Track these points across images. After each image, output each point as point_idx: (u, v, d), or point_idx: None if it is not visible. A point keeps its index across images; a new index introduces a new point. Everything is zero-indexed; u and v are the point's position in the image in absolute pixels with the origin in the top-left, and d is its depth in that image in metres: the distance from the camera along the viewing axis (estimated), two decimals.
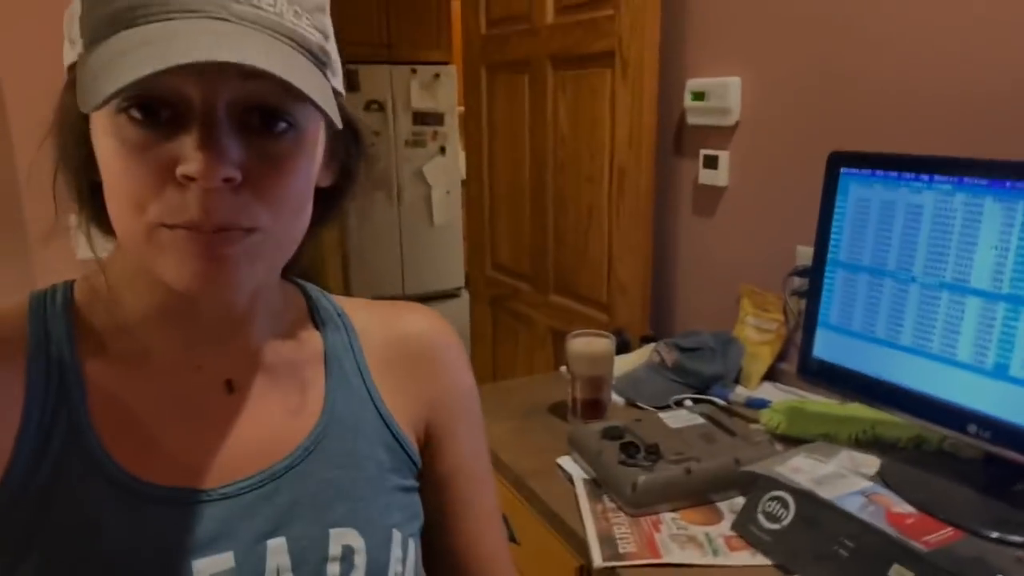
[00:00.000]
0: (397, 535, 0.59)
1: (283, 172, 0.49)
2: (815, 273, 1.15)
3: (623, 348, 1.58)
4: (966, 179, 0.95)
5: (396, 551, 0.59)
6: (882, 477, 1.05)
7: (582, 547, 0.99)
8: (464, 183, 2.63)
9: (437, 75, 4.27)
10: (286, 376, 0.60)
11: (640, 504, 1.02)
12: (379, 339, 0.66)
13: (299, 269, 0.66)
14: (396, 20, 4.18)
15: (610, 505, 1.05)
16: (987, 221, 0.93)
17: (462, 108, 2.50)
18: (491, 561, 0.70)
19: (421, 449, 0.66)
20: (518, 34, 2.05)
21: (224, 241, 0.47)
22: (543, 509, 1.10)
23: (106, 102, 0.41)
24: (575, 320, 1.93)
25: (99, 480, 0.50)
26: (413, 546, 0.61)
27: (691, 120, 1.67)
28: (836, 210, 1.11)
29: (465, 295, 2.66)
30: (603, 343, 1.31)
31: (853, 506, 0.92)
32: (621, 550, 0.95)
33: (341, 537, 0.56)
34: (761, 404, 1.35)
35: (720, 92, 1.57)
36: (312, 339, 0.63)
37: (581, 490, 1.09)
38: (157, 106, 0.45)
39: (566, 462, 1.17)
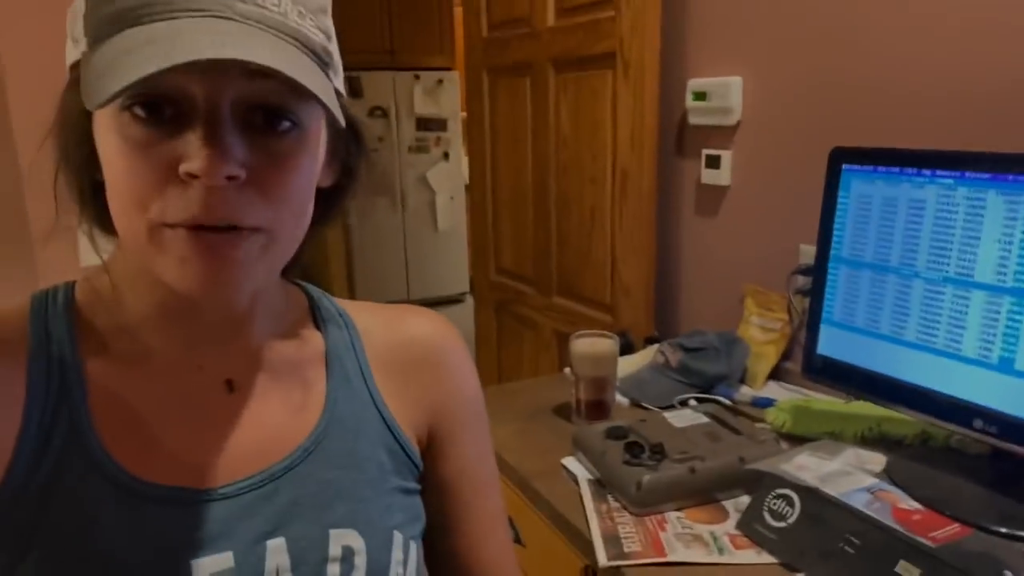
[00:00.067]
0: (398, 537, 0.59)
1: (286, 170, 0.49)
2: (818, 270, 1.15)
3: (627, 349, 1.58)
4: (968, 173, 0.95)
5: (397, 553, 0.58)
6: (888, 474, 1.04)
7: (587, 547, 0.98)
8: (467, 188, 2.64)
9: (440, 81, 4.29)
10: (287, 376, 0.60)
11: (645, 503, 1.01)
12: (383, 341, 0.66)
13: (300, 269, 0.66)
14: (399, 26, 4.21)
15: (615, 505, 1.05)
16: (990, 215, 0.93)
17: (465, 113, 2.51)
18: (495, 565, 0.69)
19: (424, 452, 0.66)
20: (519, 37, 2.06)
21: (226, 244, 0.47)
22: (548, 510, 1.10)
23: (112, 99, 0.41)
24: (579, 322, 1.93)
25: (99, 479, 0.51)
26: (415, 548, 0.61)
27: (693, 120, 1.67)
28: (838, 206, 1.11)
29: (470, 300, 2.66)
30: (606, 344, 1.31)
31: (859, 503, 0.91)
32: (626, 549, 0.94)
33: (341, 538, 0.56)
34: (766, 403, 1.34)
35: (722, 92, 1.57)
36: (314, 339, 0.63)
37: (586, 490, 1.09)
38: (161, 104, 0.45)
39: (570, 463, 1.17)
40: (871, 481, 0.98)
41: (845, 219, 1.10)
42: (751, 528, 0.97)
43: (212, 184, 0.45)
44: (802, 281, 1.43)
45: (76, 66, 0.49)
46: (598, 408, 1.30)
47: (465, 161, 3.62)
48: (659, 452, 1.06)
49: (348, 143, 0.58)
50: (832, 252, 1.12)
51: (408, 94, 4.20)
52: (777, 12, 1.46)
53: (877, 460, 1.09)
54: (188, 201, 0.45)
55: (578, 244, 1.95)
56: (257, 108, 0.47)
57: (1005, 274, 0.92)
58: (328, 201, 0.59)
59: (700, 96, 1.62)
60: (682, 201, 1.75)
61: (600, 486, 1.09)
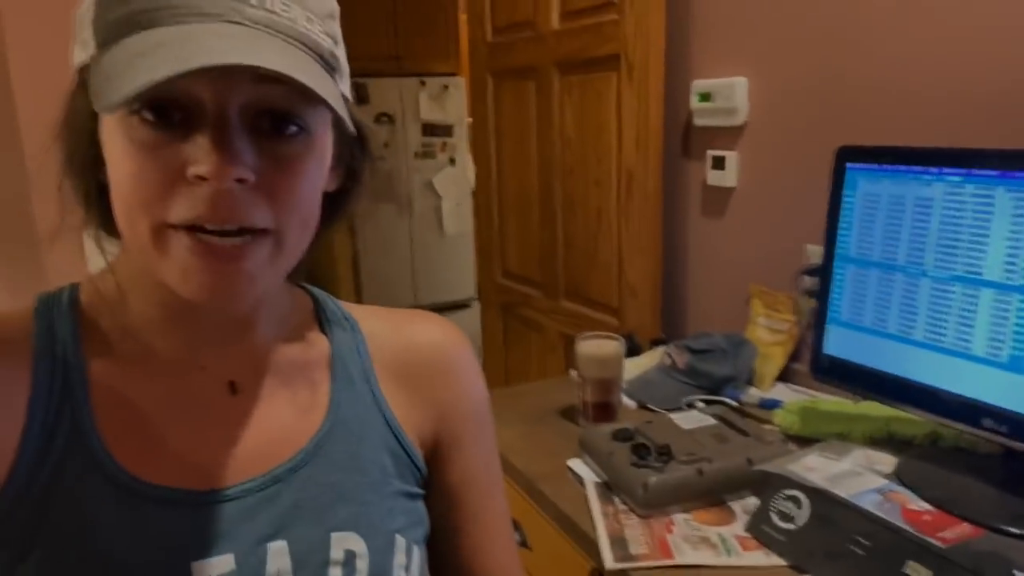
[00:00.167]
0: (400, 540, 0.59)
1: (293, 174, 0.49)
2: (825, 270, 1.14)
3: (633, 351, 1.57)
4: (976, 170, 0.94)
5: (399, 557, 0.58)
6: (898, 475, 1.03)
7: (594, 550, 0.98)
8: (473, 192, 2.64)
9: (446, 86, 4.30)
10: (291, 378, 0.60)
11: (651, 505, 1.01)
12: (388, 346, 0.65)
13: (304, 272, 0.66)
14: (405, 33, 4.22)
15: (621, 507, 1.04)
16: (998, 212, 0.92)
17: (471, 119, 2.51)
18: (501, 570, 0.69)
19: (430, 458, 0.66)
20: (524, 41, 2.06)
21: (233, 252, 0.47)
22: (554, 512, 1.09)
23: (125, 103, 0.42)
24: (586, 325, 1.92)
25: (100, 480, 0.51)
26: (417, 553, 0.61)
27: (698, 121, 1.66)
28: (844, 205, 1.10)
29: (477, 305, 2.66)
30: (612, 345, 1.30)
31: (868, 504, 0.90)
32: (633, 551, 0.94)
33: (343, 541, 0.56)
34: (774, 405, 1.34)
35: (727, 92, 1.56)
36: (318, 342, 0.63)
37: (592, 492, 1.08)
38: (169, 108, 0.46)
39: (577, 465, 1.16)
40: (880, 482, 0.97)
41: (852, 218, 1.09)
42: (759, 530, 0.96)
43: (221, 187, 0.45)
44: (809, 281, 1.42)
45: (83, 68, 0.49)
46: (604, 410, 1.30)
47: (471, 166, 3.62)
48: (666, 454, 1.05)
49: (353, 147, 0.59)
50: (839, 252, 1.12)
51: (414, 100, 4.20)
52: (781, 12, 1.45)
53: (886, 461, 1.08)
54: (195, 201, 0.46)
55: (584, 246, 1.95)
56: (265, 113, 0.47)
57: (1014, 272, 0.91)
58: (333, 205, 0.59)
59: (705, 97, 1.61)
60: (688, 203, 1.75)
61: (606, 488, 1.09)
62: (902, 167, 1.02)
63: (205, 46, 0.43)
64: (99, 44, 0.47)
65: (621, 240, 1.79)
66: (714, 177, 1.64)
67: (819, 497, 0.93)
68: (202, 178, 0.45)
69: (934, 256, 0.99)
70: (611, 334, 1.33)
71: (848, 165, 1.10)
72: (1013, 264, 0.91)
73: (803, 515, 0.93)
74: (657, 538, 0.96)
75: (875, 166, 1.06)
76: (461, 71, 4.30)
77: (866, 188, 1.07)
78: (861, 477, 0.98)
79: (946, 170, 0.97)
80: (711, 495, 1.04)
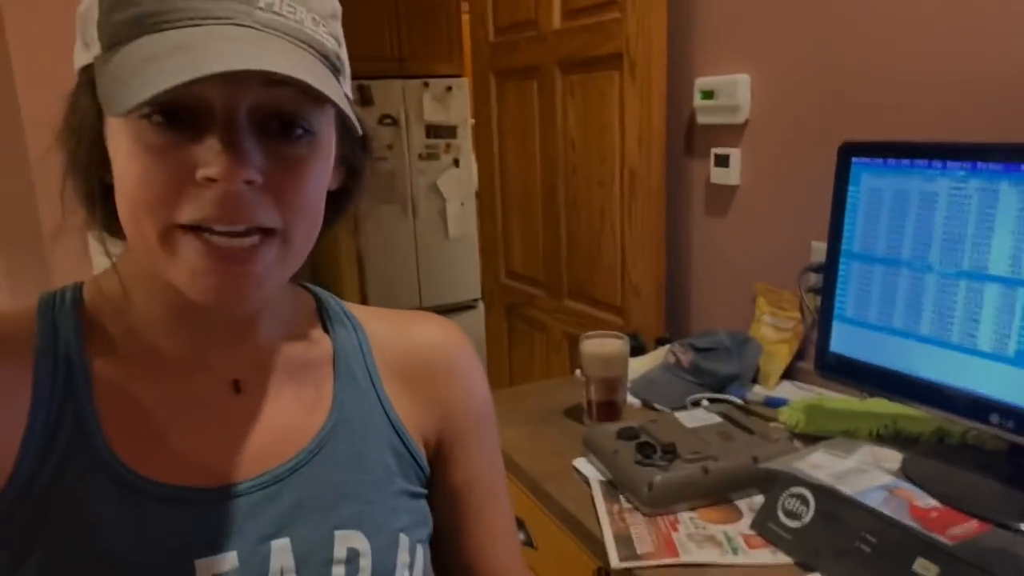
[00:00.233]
0: (404, 539, 0.59)
1: (299, 176, 0.49)
2: (829, 266, 1.13)
3: (638, 350, 1.57)
4: (980, 164, 0.94)
5: (403, 555, 0.58)
6: (905, 471, 1.03)
7: (599, 548, 0.97)
8: (477, 192, 2.64)
9: (449, 88, 4.30)
10: (294, 377, 0.60)
11: (657, 504, 1.00)
12: (392, 346, 0.65)
13: (306, 272, 0.66)
14: (408, 35, 4.22)
15: (627, 506, 1.04)
16: (1003, 206, 0.91)
17: (474, 120, 2.52)
18: (505, 571, 0.69)
19: (433, 458, 0.66)
20: (526, 40, 2.06)
21: (242, 254, 0.47)
22: (559, 512, 1.09)
23: (139, 107, 0.41)
24: (590, 324, 1.92)
25: (103, 478, 0.50)
26: (421, 552, 0.61)
27: (701, 119, 1.66)
28: (848, 201, 1.10)
29: (482, 307, 2.66)
30: (616, 344, 1.30)
31: (875, 501, 0.90)
32: (638, 550, 0.93)
33: (346, 539, 0.56)
34: (779, 403, 1.33)
35: (729, 90, 1.56)
36: (322, 341, 0.63)
37: (597, 491, 1.08)
38: (178, 111, 0.46)
39: (582, 464, 1.16)
40: (887, 479, 0.96)
41: (856, 214, 1.09)
42: (765, 528, 0.95)
43: (230, 188, 0.45)
44: (814, 279, 1.42)
45: (85, 69, 0.49)
46: (609, 409, 1.30)
47: (475, 168, 3.62)
48: (671, 452, 1.05)
49: (354, 146, 0.59)
50: (843, 248, 1.11)
51: (417, 101, 4.21)
52: (783, 8, 1.45)
53: (893, 458, 1.07)
54: (203, 202, 0.46)
55: (587, 246, 1.95)
56: (273, 115, 0.48)
57: (1020, 266, 0.90)
58: (335, 204, 0.59)
59: (708, 95, 1.61)
60: (691, 201, 1.74)
61: (612, 487, 1.09)
62: (906, 162, 1.02)
63: (217, 51, 0.43)
64: (105, 46, 0.46)
65: (625, 239, 1.78)
66: (717, 175, 1.64)
67: (825, 495, 0.92)
68: (211, 180, 0.45)
69: (939, 251, 0.98)
70: (615, 333, 1.33)
71: (852, 160, 1.09)
72: (1019, 258, 0.90)
73: (809, 513, 0.92)
74: (663, 537, 0.96)
75: (879, 161, 1.06)
76: (465, 72, 4.30)
77: (870, 183, 1.07)
78: (868, 474, 0.98)
79: (950, 165, 0.97)
80: (717, 493, 1.03)
